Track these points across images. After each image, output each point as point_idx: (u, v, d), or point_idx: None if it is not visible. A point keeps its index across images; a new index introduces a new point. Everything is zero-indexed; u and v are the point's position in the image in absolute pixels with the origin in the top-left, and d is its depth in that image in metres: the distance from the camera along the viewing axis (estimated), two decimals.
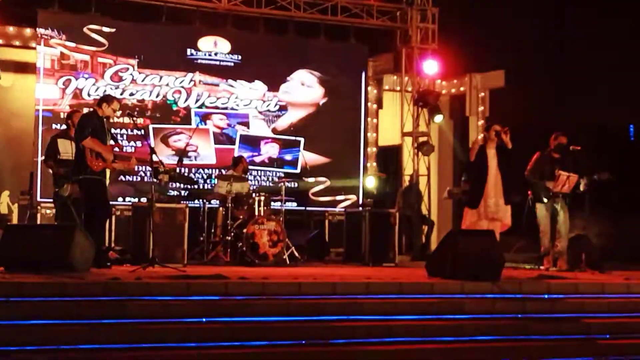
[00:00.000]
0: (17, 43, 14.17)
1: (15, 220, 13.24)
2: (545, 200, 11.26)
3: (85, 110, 12.33)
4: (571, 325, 8.06)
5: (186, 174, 13.59)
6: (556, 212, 11.26)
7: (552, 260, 11.34)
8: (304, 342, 7.08)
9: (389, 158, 16.47)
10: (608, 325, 8.12)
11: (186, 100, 14.12)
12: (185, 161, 13.34)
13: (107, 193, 9.76)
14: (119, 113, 11.12)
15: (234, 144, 14.31)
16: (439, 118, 15.62)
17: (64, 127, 11.39)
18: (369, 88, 16.00)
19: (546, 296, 8.48)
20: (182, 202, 11.76)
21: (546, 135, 11.52)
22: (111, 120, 10.21)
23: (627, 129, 19.25)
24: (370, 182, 12.66)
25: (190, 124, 14.05)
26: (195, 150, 14.08)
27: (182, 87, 14.11)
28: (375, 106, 16.44)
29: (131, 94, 13.79)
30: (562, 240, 11.28)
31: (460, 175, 13.56)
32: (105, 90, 13.21)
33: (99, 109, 9.68)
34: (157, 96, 13.95)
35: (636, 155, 18.18)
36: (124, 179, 13.49)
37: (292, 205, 13.94)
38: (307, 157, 14.00)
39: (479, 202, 10.29)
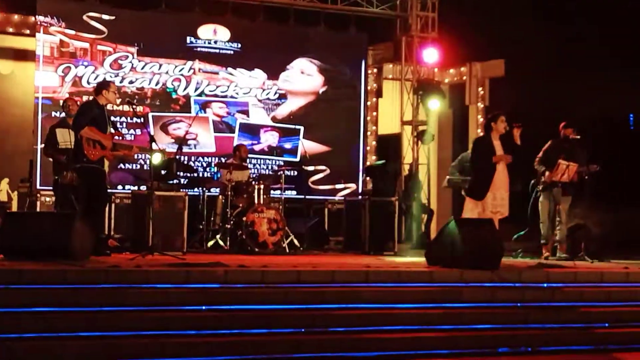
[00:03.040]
0: (16, 30, 14.12)
1: (14, 208, 13.25)
2: (540, 187, 11.35)
3: (85, 98, 12.37)
4: (570, 314, 8.08)
5: (185, 162, 13.62)
6: (556, 200, 11.29)
7: (551, 249, 11.38)
8: (303, 330, 7.10)
9: (389, 147, 16.44)
10: (607, 314, 8.15)
11: (185, 88, 14.09)
12: (185, 149, 13.33)
13: (105, 181, 9.76)
14: (118, 101, 11.11)
15: (233, 132, 14.29)
16: (434, 104, 15.27)
17: (62, 115, 11.38)
18: (369, 77, 15.95)
19: (545, 285, 8.50)
20: (181, 190, 11.74)
21: (545, 124, 11.54)
22: (111, 109, 10.15)
23: (627, 118, 19.25)
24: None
25: (189, 112, 14.01)
26: (194, 139, 14.06)
27: (182, 75, 14.07)
28: (375, 95, 16.41)
29: (131, 82, 13.76)
30: (561, 228, 11.31)
31: None
32: (104, 78, 13.18)
33: (99, 97, 9.66)
34: (157, 84, 13.92)
35: (636, 144, 18.18)
36: (123, 167, 13.48)
37: (291, 194, 13.94)
38: (307, 146, 14.00)
39: (485, 195, 10.18)
